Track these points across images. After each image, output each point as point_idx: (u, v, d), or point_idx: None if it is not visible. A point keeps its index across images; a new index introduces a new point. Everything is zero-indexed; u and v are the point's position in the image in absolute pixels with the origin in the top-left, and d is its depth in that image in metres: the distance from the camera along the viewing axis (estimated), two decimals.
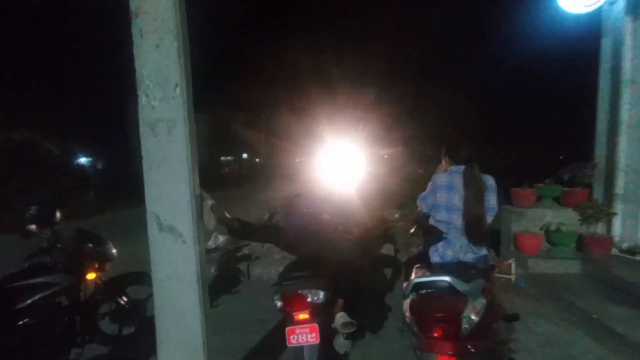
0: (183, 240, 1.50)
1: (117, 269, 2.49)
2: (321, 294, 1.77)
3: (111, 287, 2.38)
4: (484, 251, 1.74)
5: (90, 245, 2.26)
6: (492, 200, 1.74)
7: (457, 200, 1.72)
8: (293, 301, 1.73)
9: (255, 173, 24.13)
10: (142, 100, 1.46)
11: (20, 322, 1.76)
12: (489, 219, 1.75)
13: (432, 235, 1.84)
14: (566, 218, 3.59)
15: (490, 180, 1.76)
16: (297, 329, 1.70)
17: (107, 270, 2.37)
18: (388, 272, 3.75)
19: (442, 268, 1.71)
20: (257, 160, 36.30)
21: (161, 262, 1.51)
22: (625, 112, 3.54)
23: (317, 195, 2.54)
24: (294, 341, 1.69)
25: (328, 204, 2.47)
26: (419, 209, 1.96)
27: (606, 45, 3.85)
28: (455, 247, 1.74)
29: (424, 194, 1.90)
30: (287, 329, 1.71)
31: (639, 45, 3.49)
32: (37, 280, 1.89)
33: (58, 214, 2.22)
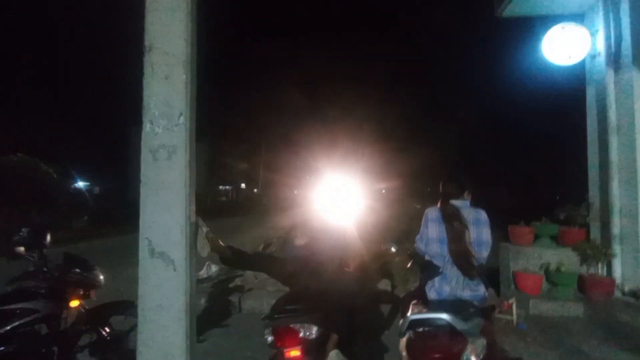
0: (174, 267, 1.46)
1: (103, 296, 2.40)
2: (314, 329, 1.70)
3: (94, 316, 2.26)
4: (481, 288, 1.70)
5: (77, 270, 2.19)
6: (485, 233, 1.74)
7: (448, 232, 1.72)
8: (285, 336, 1.65)
9: (252, 203, 24.06)
10: (147, 127, 1.51)
11: None
12: (484, 253, 1.73)
13: (429, 270, 1.81)
14: (565, 257, 3.54)
15: (481, 214, 1.77)
16: None
17: (92, 297, 2.28)
18: (385, 308, 3.61)
19: (439, 305, 1.66)
20: (255, 190, 36.36)
21: (150, 289, 1.46)
22: (614, 156, 3.63)
23: (314, 227, 2.52)
24: None
25: (325, 236, 2.44)
26: (417, 249, 1.94)
27: (591, 93, 4.05)
28: (451, 283, 1.70)
29: (420, 232, 1.91)
30: None
31: (622, 94, 3.64)
32: (18, 306, 1.81)
33: (48, 237, 2.18)
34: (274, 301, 3.57)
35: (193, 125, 1.60)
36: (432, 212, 1.79)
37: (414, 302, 1.74)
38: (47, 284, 1.99)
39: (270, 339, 1.68)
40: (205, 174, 30.66)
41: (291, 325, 1.65)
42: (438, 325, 1.37)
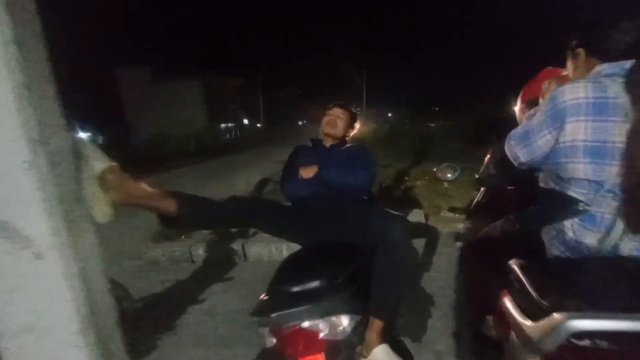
0: (36, 252, 0.67)
1: None
2: (345, 322, 0.98)
3: None
4: None
5: None
6: None
7: (619, 134, 0.83)
8: (296, 340, 0.94)
9: (257, 138, 23.14)
10: None
11: None
12: None
13: (553, 205, 0.98)
14: None
15: None
16: None
17: None
18: (419, 244, 2.98)
19: (581, 269, 0.88)
20: (259, 125, 35.11)
21: None
22: None
23: (322, 151, 1.69)
24: None
25: (338, 162, 1.62)
26: (510, 154, 1.04)
27: None
28: (603, 229, 0.88)
29: (521, 129, 1.01)
30: None
31: None
32: None
33: None
34: (284, 247, 2.94)
35: None
36: (577, 92, 0.86)
37: (519, 262, 0.94)
38: None
39: (271, 342, 0.99)
40: (204, 112, 29.35)
41: (305, 326, 0.93)
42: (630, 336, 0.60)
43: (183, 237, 3.55)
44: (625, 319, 0.61)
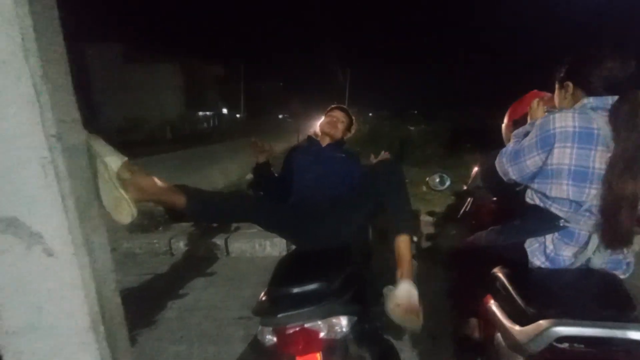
0: (48, 250, 0.66)
1: None
2: (344, 323, 1.03)
3: None
4: (629, 255, 1.01)
5: None
6: None
7: (599, 161, 0.93)
8: (296, 340, 0.97)
9: (236, 129, 22.67)
10: None
11: None
12: None
13: (533, 219, 1.08)
14: None
15: None
16: None
17: None
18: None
19: (554, 278, 0.98)
20: (238, 115, 34.39)
21: (2, 297, 0.68)
22: None
23: (319, 154, 1.73)
24: None
25: (337, 165, 1.68)
26: (500, 170, 1.12)
27: None
28: (579, 244, 0.99)
29: (512, 147, 1.10)
30: None
31: None
32: None
33: None
34: (267, 244, 2.96)
35: None
36: (567, 121, 0.95)
37: (504, 271, 1.03)
38: None
39: (270, 340, 1.02)
40: (181, 98, 28.27)
41: (307, 326, 0.97)
42: (614, 343, 0.70)
43: (161, 228, 3.45)
44: (599, 326, 0.70)
